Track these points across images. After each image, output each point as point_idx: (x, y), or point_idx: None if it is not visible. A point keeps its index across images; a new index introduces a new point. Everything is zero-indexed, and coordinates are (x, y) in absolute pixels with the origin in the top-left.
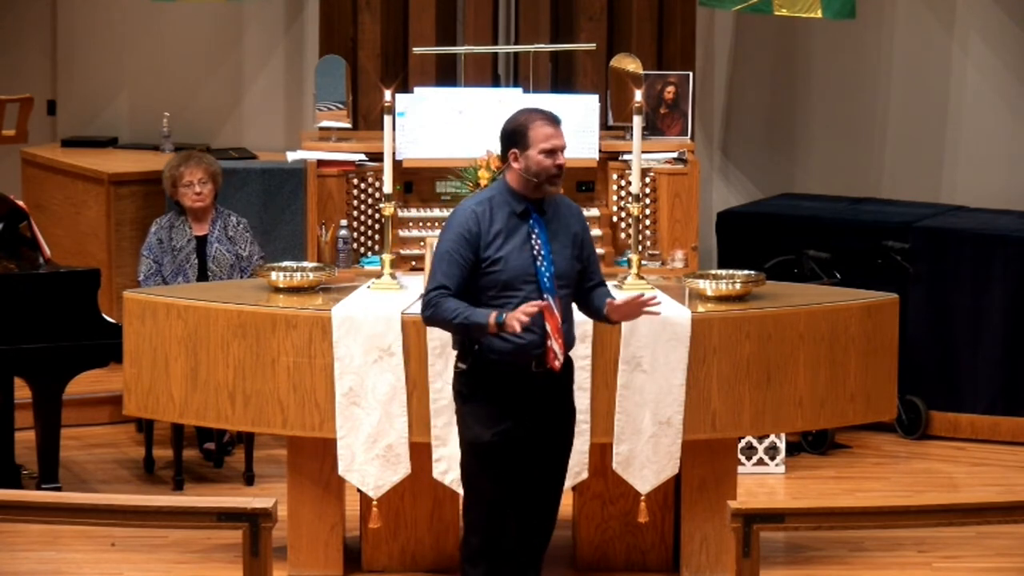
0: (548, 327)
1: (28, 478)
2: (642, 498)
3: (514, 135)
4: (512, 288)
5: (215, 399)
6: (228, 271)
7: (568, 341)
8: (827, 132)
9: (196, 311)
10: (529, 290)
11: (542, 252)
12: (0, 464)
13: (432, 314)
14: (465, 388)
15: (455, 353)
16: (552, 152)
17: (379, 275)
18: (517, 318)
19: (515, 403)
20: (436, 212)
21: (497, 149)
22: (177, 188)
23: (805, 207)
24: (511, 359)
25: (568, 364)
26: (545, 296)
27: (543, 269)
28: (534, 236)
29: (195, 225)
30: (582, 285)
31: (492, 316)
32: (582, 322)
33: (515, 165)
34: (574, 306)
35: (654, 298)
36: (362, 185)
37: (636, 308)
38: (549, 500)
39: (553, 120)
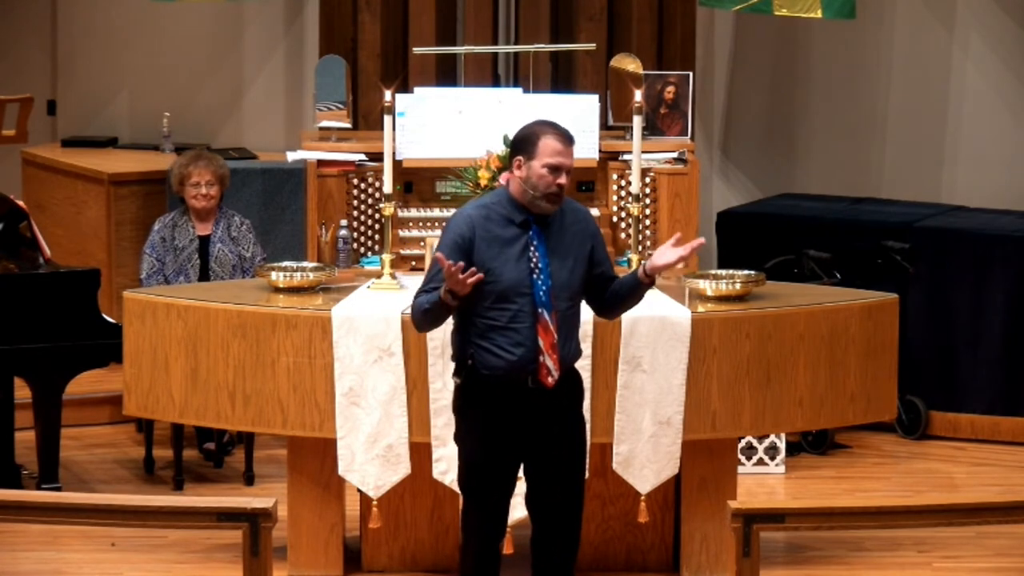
0: (541, 343)
1: (28, 478)
2: (642, 498)
3: (524, 142)
4: (506, 300)
5: (215, 399)
6: (230, 271)
7: (568, 355)
8: (827, 132)
9: (196, 311)
10: (523, 303)
11: (539, 265)
12: (0, 464)
13: (411, 316)
14: (461, 403)
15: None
16: (557, 169)
17: (379, 275)
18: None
19: (510, 419)
20: (436, 212)
21: (496, 149)
22: (184, 186)
23: (805, 207)
24: (503, 374)
25: (573, 379)
26: (540, 311)
27: (539, 283)
28: (532, 248)
29: (198, 225)
30: (602, 289)
31: (442, 289)
32: (582, 322)
33: (517, 173)
34: (587, 312)
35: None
36: (362, 185)
37: (674, 254)
38: (566, 516)
39: (566, 138)
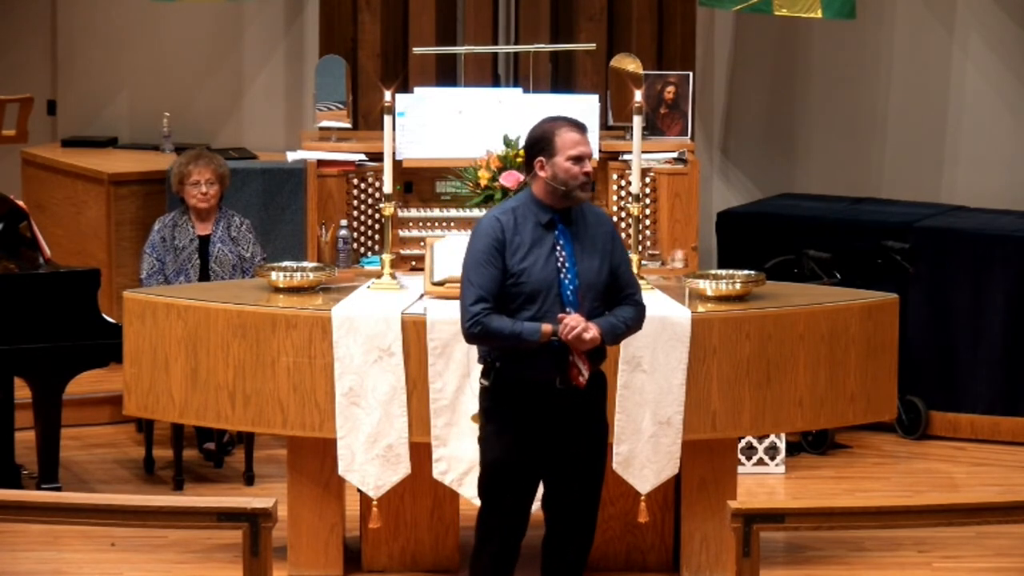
0: None
1: (28, 478)
2: (642, 498)
3: (540, 143)
4: (534, 301)
5: (215, 399)
6: (230, 271)
7: (596, 355)
8: (827, 132)
9: (196, 311)
10: (551, 303)
11: (567, 264)
12: (0, 464)
13: (481, 331)
14: (489, 405)
15: (461, 358)
16: (580, 159)
17: (379, 275)
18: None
19: (539, 421)
20: (436, 212)
21: (496, 149)
22: (184, 185)
23: (805, 207)
24: (533, 376)
25: (600, 379)
26: (567, 309)
27: (567, 282)
28: (559, 247)
29: (198, 224)
30: (614, 295)
31: (546, 328)
32: None
33: (541, 174)
34: None
35: (575, 328)
36: (362, 185)
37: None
38: (583, 517)
39: (580, 127)
